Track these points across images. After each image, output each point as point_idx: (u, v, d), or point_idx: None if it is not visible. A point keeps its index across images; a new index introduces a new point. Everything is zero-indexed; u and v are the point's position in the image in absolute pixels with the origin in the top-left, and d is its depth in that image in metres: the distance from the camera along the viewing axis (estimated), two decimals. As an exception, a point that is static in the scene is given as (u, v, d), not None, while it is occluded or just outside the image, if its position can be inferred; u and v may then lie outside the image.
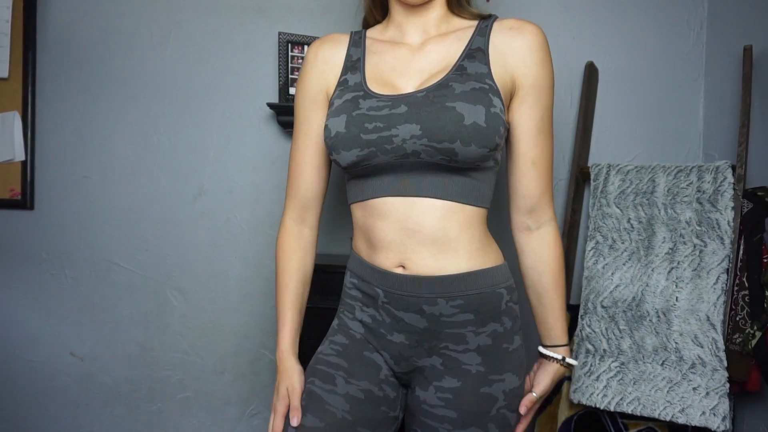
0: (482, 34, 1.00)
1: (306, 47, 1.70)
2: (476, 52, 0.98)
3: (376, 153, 0.94)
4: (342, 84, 1.03)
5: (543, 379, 1.06)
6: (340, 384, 1.00)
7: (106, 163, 1.79)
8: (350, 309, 1.06)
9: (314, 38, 1.71)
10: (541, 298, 1.06)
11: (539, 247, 1.05)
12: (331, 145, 0.97)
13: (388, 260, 0.98)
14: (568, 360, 1.06)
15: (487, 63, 0.97)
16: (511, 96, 0.99)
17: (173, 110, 1.79)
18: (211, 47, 1.78)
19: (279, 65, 1.69)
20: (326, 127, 0.99)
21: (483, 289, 0.98)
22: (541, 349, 1.08)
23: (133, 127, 1.79)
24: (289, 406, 1.01)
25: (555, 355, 1.06)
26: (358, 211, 1.03)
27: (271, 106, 1.66)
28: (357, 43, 1.07)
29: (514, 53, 0.98)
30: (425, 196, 0.95)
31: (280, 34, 1.69)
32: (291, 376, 1.03)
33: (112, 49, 1.77)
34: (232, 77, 1.79)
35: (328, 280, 1.46)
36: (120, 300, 1.81)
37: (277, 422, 1.01)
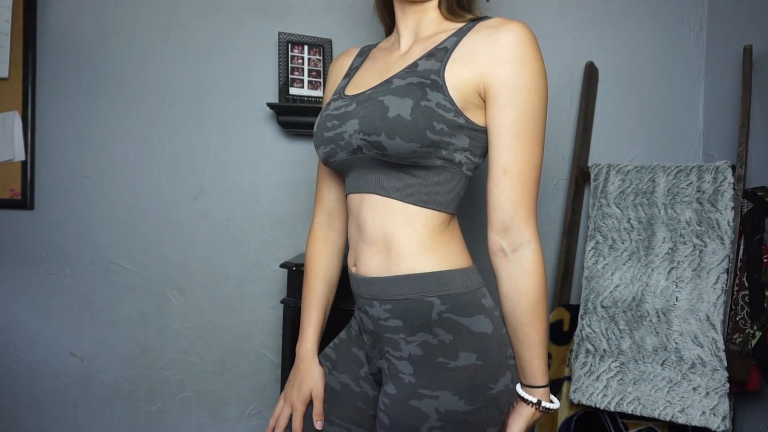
0: (459, 34, 0.97)
1: (306, 47, 1.70)
2: (439, 51, 0.96)
3: (336, 150, 0.99)
4: (335, 90, 1.12)
5: (515, 423, 0.96)
6: (324, 374, 1.07)
7: (106, 163, 1.79)
8: (354, 307, 1.12)
9: (314, 38, 1.72)
10: (516, 332, 0.94)
11: (514, 273, 0.92)
12: (314, 144, 1.06)
13: (349, 258, 1.04)
14: (545, 404, 0.95)
15: (443, 60, 0.93)
16: (483, 97, 0.93)
17: (173, 110, 1.79)
18: (211, 47, 1.78)
19: (279, 65, 1.69)
20: None
21: (409, 295, 0.93)
22: (517, 388, 0.97)
23: (133, 127, 1.79)
24: (307, 405, 1.05)
25: (530, 398, 0.95)
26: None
27: (271, 106, 1.66)
28: (363, 53, 1.14)
29: (486, 51, 0.91)
30: (371, 193, 0.97)
31: (280, 34, 1.69)
32: (316, 379, 1.05)
33: (112, 49, 1.77)
34: (232, 77, 1.79)
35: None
36: (120, 300, 1.81)
37: (298, 420, 1.04)
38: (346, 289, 1.40)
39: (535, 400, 0.95)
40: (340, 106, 1.00)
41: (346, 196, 1.06)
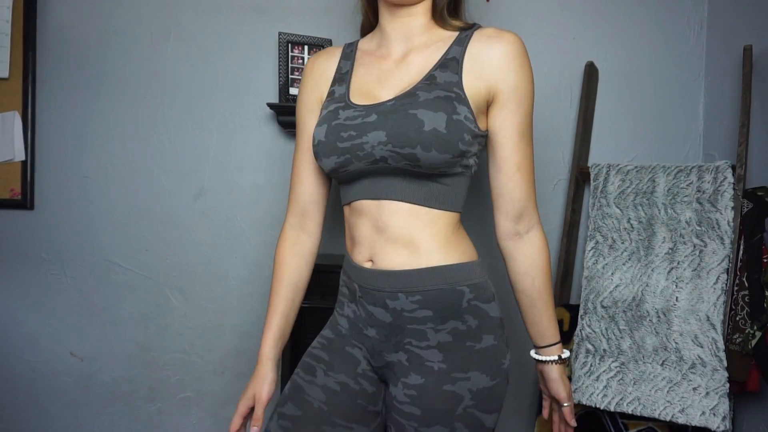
0: (460, 43, 1.02)
1: (306, 47, 1.70)
2: (450, 61, 1.01)
3: (351, 160, 0.99)
4: (330, 95, 1.09)
5: (558, 387, 1.07)
6: (319, 376, 1.06)
7: (106, 163, 1.79)
8: (340, 305, 1.12)
9: (314, 38, 1.72)
10: (535, 302, 1.06)
11: (530, 252, 1.05)
12: (315, 152, 1.04)
13: (360, 255, 1.04)
14: (563, 356, 1.08)
15: (458, 72, 0.99)
16: (489, 103, 1.01)
17: (173, 110, 1.79)
18: (211, 47, 1.78)
19: (279, 65, 1.69)
20: (313, 136, 1.05)
21: (441, 285, 0.98)
22: (536, 356, 1.09)
23: (133, 127, 1.79)
24: (252, 409, 1.08)
25: (551, 358, 1.07)
26: (346, 211, 1.09)
27: (271, 106, 1.66)
28: (348, 56, 1.13)
29: (492, 61, 0.99)
30: (393, 199, 0.99)
31: (280, 34, 1.70)
32: (261, 383, 1.08)
33: (112, 49, 1.77)
34: (232, 77, 1.79)
35: (328, 281, 1.46)
36: (120, 300, 1.81)
37: (234, 420, 1.07)
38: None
39: (555, 357, 1.07)
40: (354, 116, 1.00)
41: (349, 202, 1.05)
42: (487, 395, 0.99)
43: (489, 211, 1.10)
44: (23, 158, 1.75)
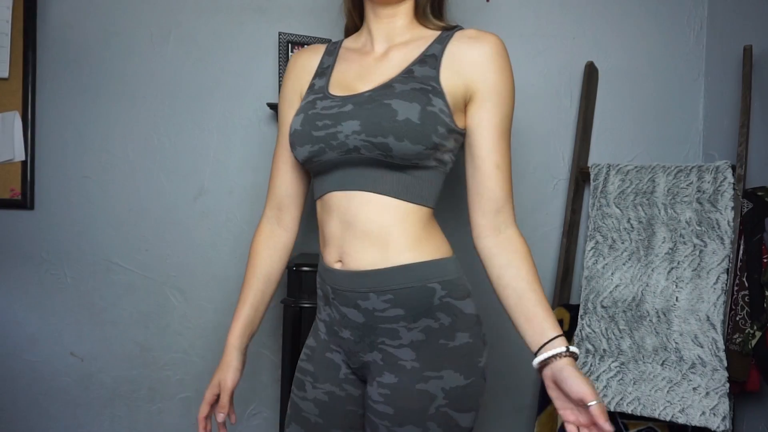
0: (441, 42, 1.04)
1: (306, 47, 1.71)
2: (429, 57, 1.02)
3: (325, 149, 0.99)
4: (310, 88, 1.11)
5: (579, 383, 0.88)
6: (309, 390, 1.07)
7: (106, 163, 1.79)
8: (318, 310, 1.11)
9: (314, 38, 1.72)
10: (524, 293, 0.96)
11: (510, 244, 1.00)
12: (291, 141, 1.05)
13: (330, 256, 1.03)
14: (572, 349, 0.93)
15: (436, 68, 1.00)
16: (466, 101, 1.01)
17: (173, 110, 1.79)
18: (211, 47, 1.78)
19: (279, 65, 1.69)
20: (290, 125, 1.06)
21: (411, 283, 0.97)
22: (540, 357, 0.93)
23: (133, 127, 1.78)
24: (217, 398, 1.11)
25: (557, 351, 0.91)
26: (318, 207, 1.08)
27: (271, 106, 1.66)
28: (331, 52, 1.15)
29: (471, 59, 1.00)
30: (363, 190, 0.99)
31: (280, 34, 1.70)
32: (226, 371, 1.11)
33: (112, 49, 1.77)
34: (232, 77, 1.79)
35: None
36: (120, 300, 1.81)
37: (202, 408, 1.10)
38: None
39: (563, 350, 0.91)
40: (331, 106, 1.01)
41: (320, 195, 1.05)
42: (461, 394, 0.97)
43: (465, 213, 1.09)
44: (23, 158, 1.75)
